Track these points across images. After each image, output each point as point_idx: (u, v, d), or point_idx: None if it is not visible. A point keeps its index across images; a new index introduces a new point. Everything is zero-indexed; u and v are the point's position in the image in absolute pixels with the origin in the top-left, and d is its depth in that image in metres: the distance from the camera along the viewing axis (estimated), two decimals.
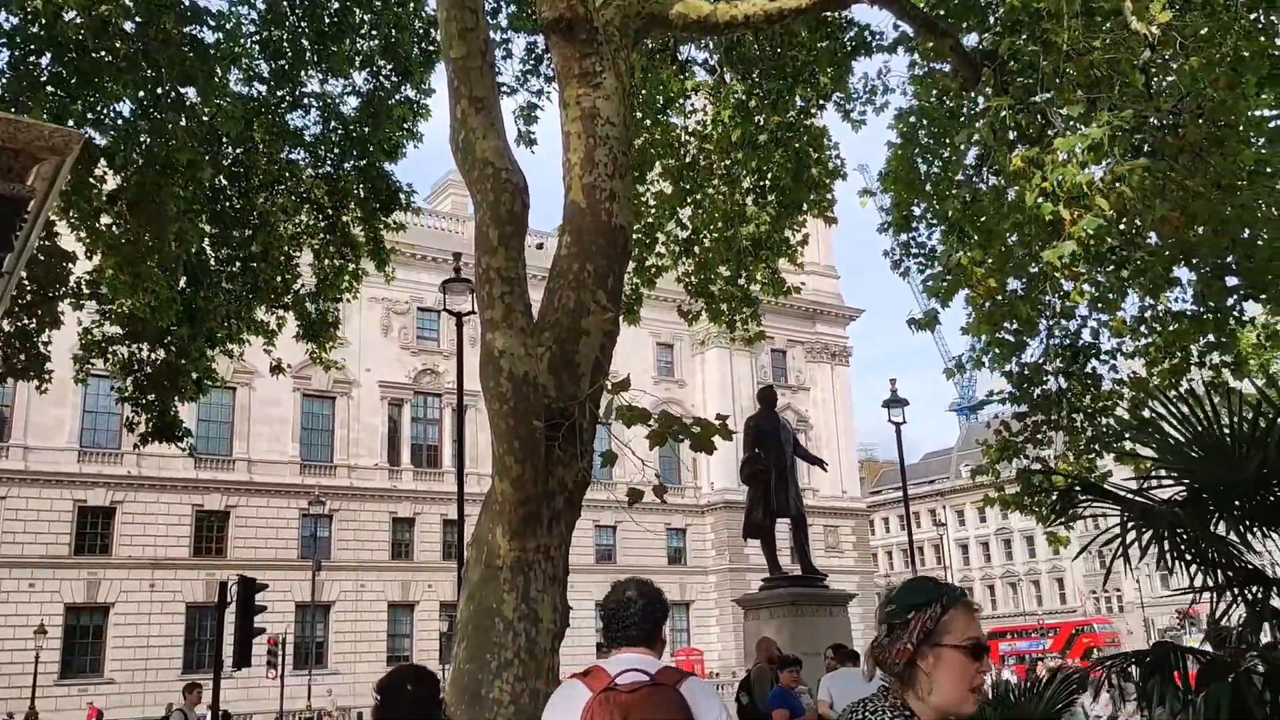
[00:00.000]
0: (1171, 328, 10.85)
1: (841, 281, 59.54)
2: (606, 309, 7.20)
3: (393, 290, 45.33)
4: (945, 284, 9.84)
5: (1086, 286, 9.57)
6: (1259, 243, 9.42)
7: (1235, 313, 10.59)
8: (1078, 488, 4.13)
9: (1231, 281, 9.52)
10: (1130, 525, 3.80)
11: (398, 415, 46.23)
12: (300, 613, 40.30)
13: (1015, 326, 11.18)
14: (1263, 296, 10.11)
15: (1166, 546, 3.86)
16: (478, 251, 6.41)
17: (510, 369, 6.15)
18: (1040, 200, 8.47)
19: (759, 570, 54.48)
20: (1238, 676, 3.30)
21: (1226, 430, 3.78)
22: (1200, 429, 3.88)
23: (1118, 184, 7.66)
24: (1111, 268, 9.48)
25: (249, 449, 42.29)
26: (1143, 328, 11.29)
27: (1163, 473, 4.49)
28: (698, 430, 6.27)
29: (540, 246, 8.43)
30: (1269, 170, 9.51)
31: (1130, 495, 3.99)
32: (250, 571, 23.65)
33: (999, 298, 10.59)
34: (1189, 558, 3.96)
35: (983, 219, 9.48)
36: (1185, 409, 3.92)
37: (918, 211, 13.41)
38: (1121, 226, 8.41)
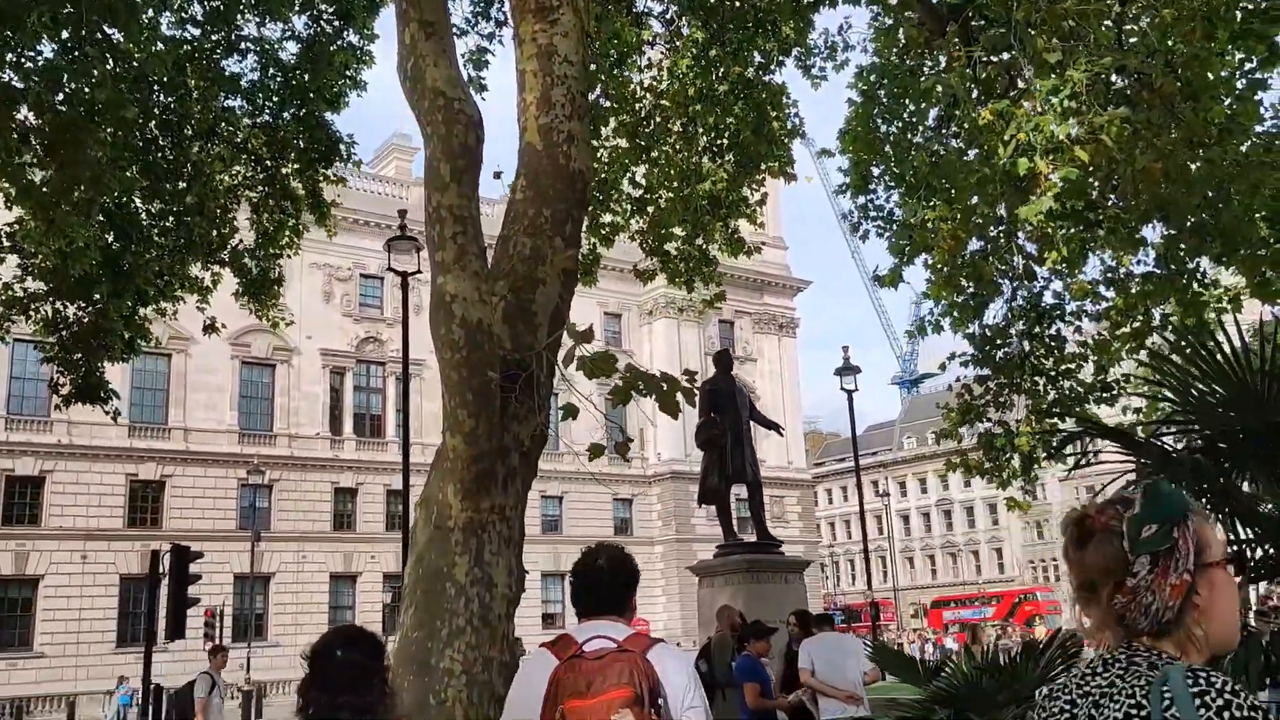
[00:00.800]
0: (1134, 290, 10.71)
1: (789, 253, 59.48)
2: (565, 256, 6.77)
3: (334, 256, 44.31)
4: (909, 241, 9.55)
5: (1053, 250, 9.32)
6: (1225, 204, 9.23)
7: (1199, 275, 10.45)
8: (1090, 431, 3.78)
9: (1196, 243, 9.33)
10: (1148, 473, 3.47)
11: (340, 384, 45.28)
12: (239, 584, 39.44)
13: (974, 289, 10.96)
14: (1224, 259, 9.94)
15: None
16: (428, 188, 5.96)
17: (463, 315, 5.72)
18: (1014, 154, 8.20)
19: (706, 541, 54.68)
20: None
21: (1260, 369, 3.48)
22: (1225, 369, 3.57)
23: (1098, 133, 7.38)
24: (1081, 227, 9.24)
25: (185, 417, 41.13)
26: (1104, 290, 11.13)
27: (1163, 425, 4.17)
28: (665, 387, 5.87)
29: (498, 175, 7.91)
30: (1238, 127, 9.32)
31: (1148, 441, 3.68)
32: (187, 543, 22.94)
33: (963, 256, 10.34)
34: (1209, 510, 3.65)
35: (948, 175, 9.18)
36: (1210, 348, 3.61)
37: (876, 173, 13.20)
38: (1095, 183, 8.15)
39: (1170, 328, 11.04)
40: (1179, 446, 3.74)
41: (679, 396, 5.85)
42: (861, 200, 13.63)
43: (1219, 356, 3.66)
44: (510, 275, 6.61)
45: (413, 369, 39.69)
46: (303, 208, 12.82)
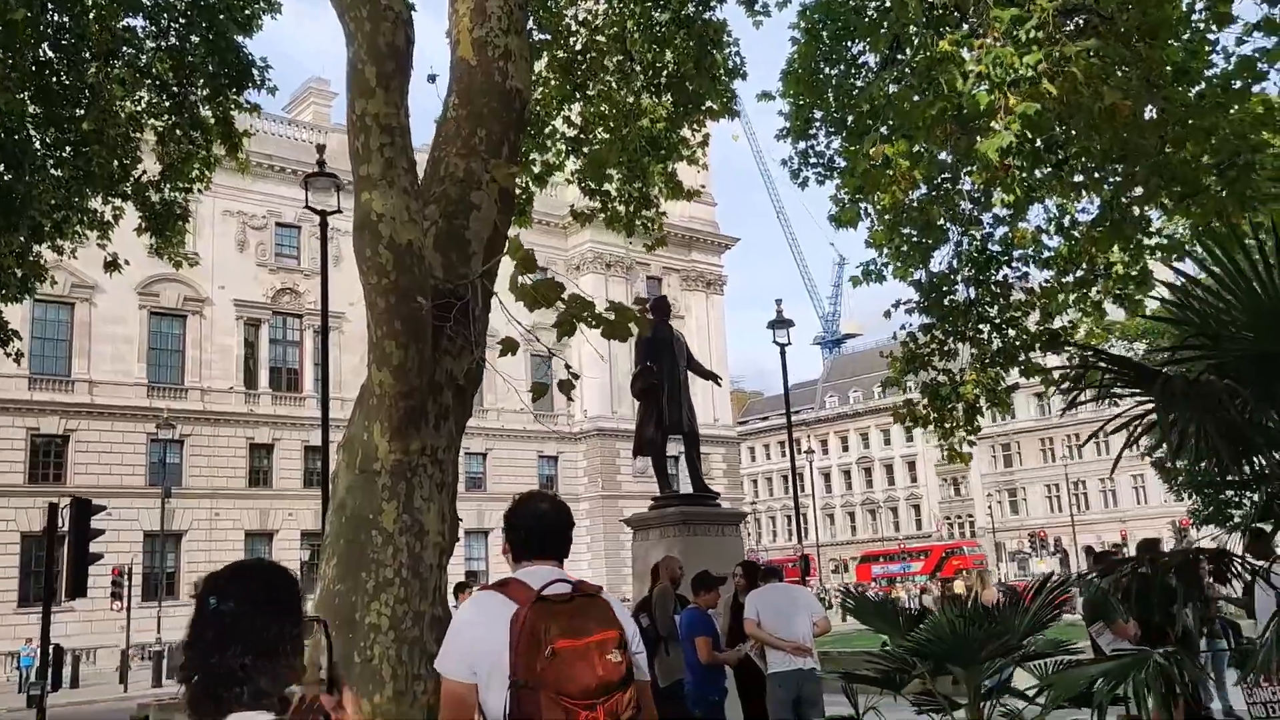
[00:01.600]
0: (1078, 237, 10.52)
1: (717, 210, 59.14)
2: (504, 174, 6.23)
3: (249, 203, 42.67)
4: (867, 176, 9.17)
5: (1008, 191, 9.02)
6: (1179, 148, 9.02)
7: (1143, 224, 10.29)
8: (1101, 361, 3.41)
9: (1153, 188, 9.11)
10: (1164, 408, 3.12)
11: (255, 336, 43.77)
12: (149, 542, 38.10)
13: (918, 236, 10.66)
14: (1180, 203, 9.73)
15: (1199, 432, 3.19)
16: (351, 95, 5.34)
17: (391, 235, 5.15)
18: (973, 86, 7.85)
19: (633, 498, 54.58)
20: None
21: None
22: (1253, 288, 3.22)
23: (1065, 66, 7.05)
24: (1038, 167, 8.96)
25: (90, 369, 39.35)
26: (1047, 239, 10.94)
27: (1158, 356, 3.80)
28: (612, 317, 5.39)
29: (432, 79, 7.14)
30: (1193, 69, 9.11)
31: (1162, 371, 3.32)
32: (93, 499, 21.84)
33: (912, 197, 10.02)
34: (1210, 447, 3.33)
35: (902, 111, 8.79)
36: (1237, 263, 3.25)
37: (818, 117, 12.85)
38: (1057, 120, 7.83)
39: (1113, 276, 10.92)
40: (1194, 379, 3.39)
41: (631, 325, 5.39)
42: (802, 146, 13.27)
43: (1245, 272, 3.31)
44: (441, 200, 6.07)
45: (332, 321, 38.59)
46: (214, 138, 11.96)
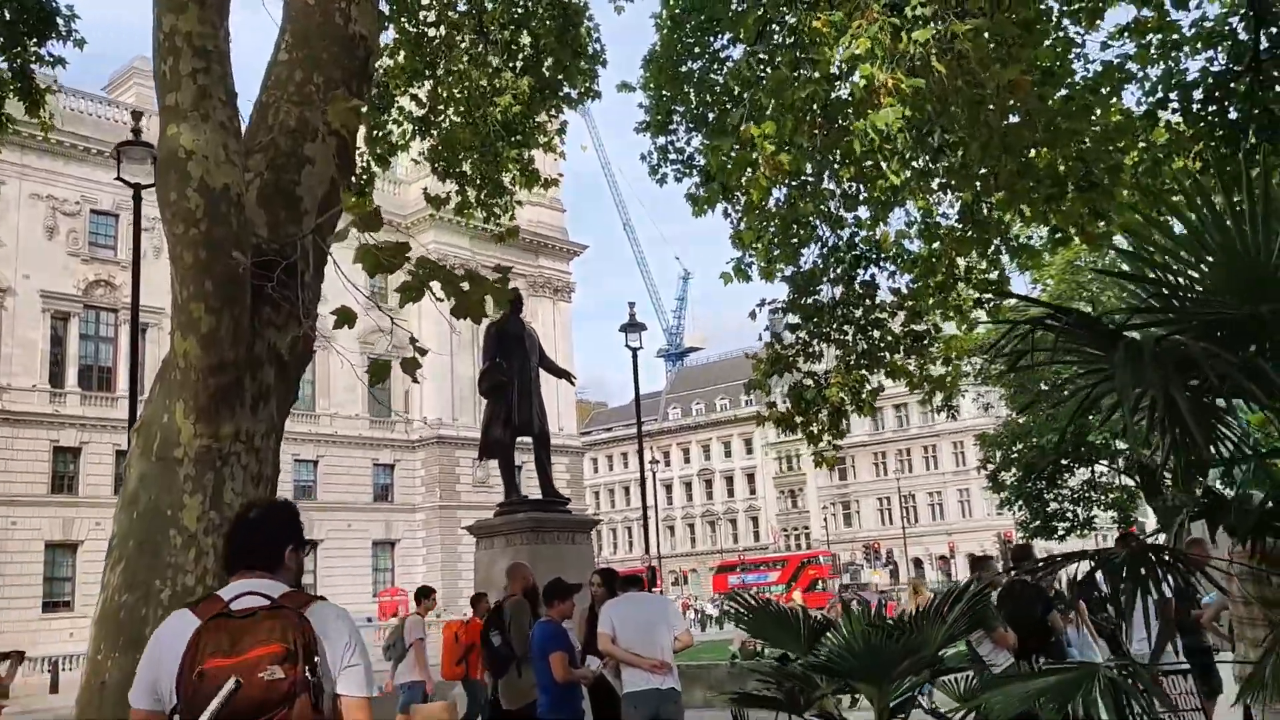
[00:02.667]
0: (937, 243, 10.40)
1: (566, 216, 58.59)
2: (339, 134, 5.44)
3: (60, 187, 39.49)
4: (732, 159, 8.74)
5: (874, 185, 8.74)
6: (1040, 154, 8.96)
7: (1000, 228, 10.24)
8: (1054, 320, 2.94)
9: (1021, 188, 9.00)
10: (1128, 375, 2.68)
11: (63, 330, 40.42)
12: None
13: (786, 234, 10.33)
14: (1024, 209, 9.66)
15: (1167, 405, 2.77)
16: (159, 8, 4.47)
17: (203, 177, 4.32)
18: (854, 64, 7.50)
19: (473, 508, 53.24)
20: None
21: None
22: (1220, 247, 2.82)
23: (954, 43, 6.75)
24: (915, 157, 8.71)
25: None
26: (909, 242, 10.80)
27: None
28: (468, 288, 4.69)
29: None
30: (1058, 72, 9.07)
31: (1119, 332, 2.89)
32: None
33: (776, 197, 9.68)
34: (1174, 423, 2.92)
35: (776, 92, 8.39)
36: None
37: (678, 114, 12.50)
38: (937, 102, 7.56)
39: (973, 281, 10.86)
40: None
41: (490, 296, 4.71)
42: (662, 141, 12.88)
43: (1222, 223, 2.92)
44: (269, 150, 5.23)
45: (152, 317, 35.94)
46: (8, 93, 10.56)
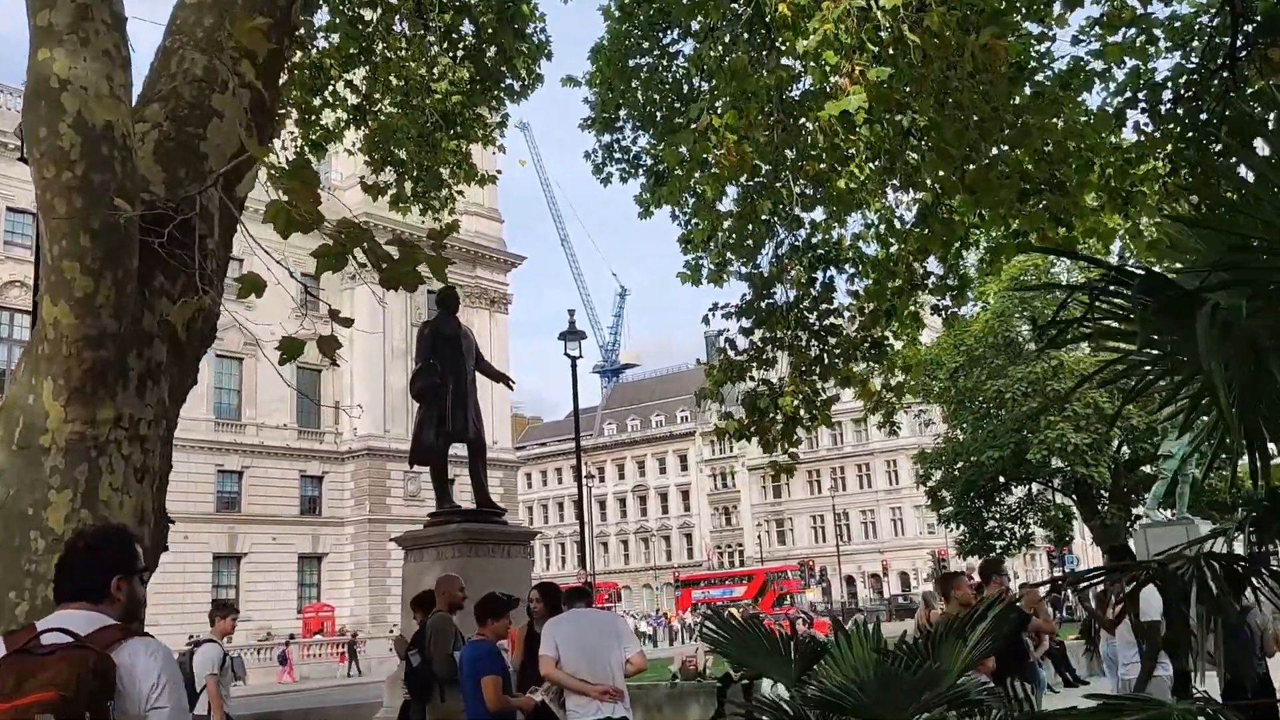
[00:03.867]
0: (893, 248, 10.00)
1: (504, 227, 57.78)
2: (254, 86, 4.76)
3: None
4: (689, 152, 8.21)
5: (840, 175, 8.29)
6: (1011, 148, 8.60)
7: (960, 232, 9.86)
8: (1125, 280, 2.39)
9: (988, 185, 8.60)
10: (1208, 352, 2.16)
11: None
12: None
13: (740, 234, 9.85)
14: (983, 213, 9.30)
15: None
16: None
17: (80, 112, 3.65)
18: (820, 49, 7.03)
19: (403, 523, 51.90)
20: None
21: None
22: None
23: (922, 20, 6.30)
24: (886, 144, 8.26)
25: None
26: (866, 245, 10.40)
27: None
28: (398, 255, 4.08)
29: None
30: (1026, 68, 8.72)
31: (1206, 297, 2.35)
32: None
33: (730, 196, 9.21)
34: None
35: (736, 77, 7.89)
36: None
37: (624, 114, 12.02)
38: (909, 90, 7.11)
39: (931, 284, 10.46)
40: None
41: (425, 265, 4.10)
42: (607, 139, 12.37)
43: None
44: (170, 100, 4.55)
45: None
46: None
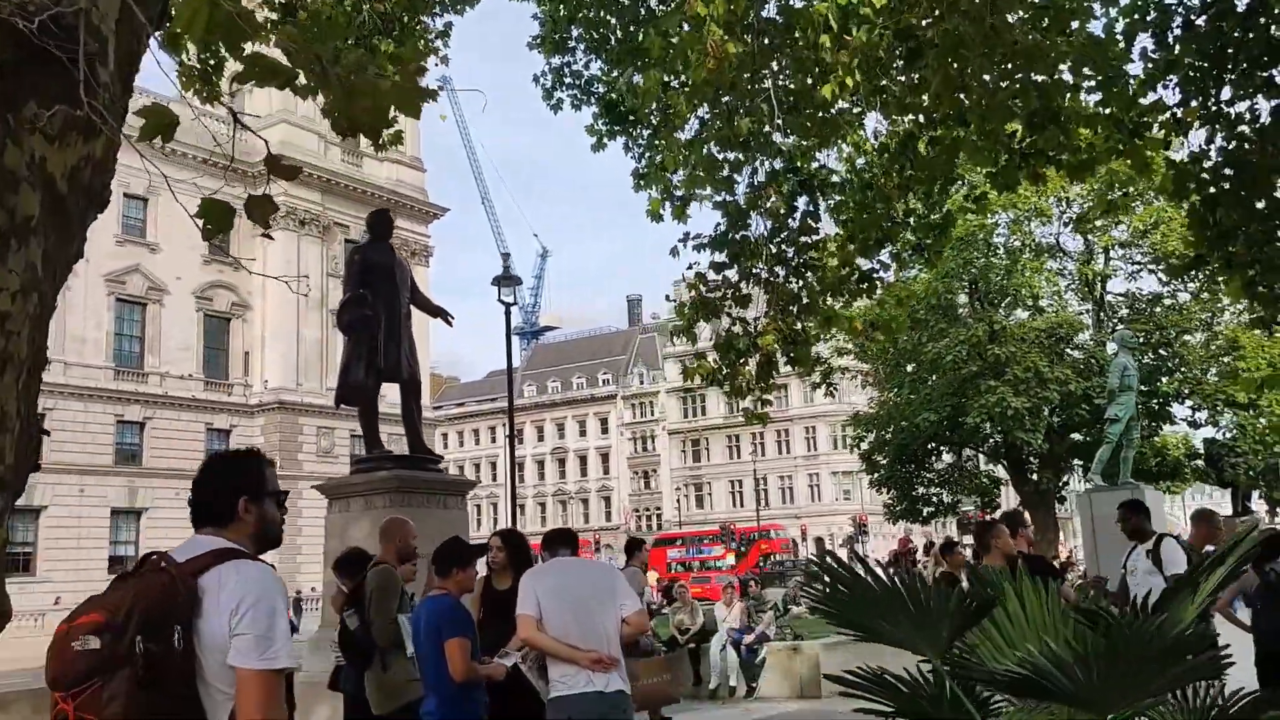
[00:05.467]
0: (871, 177, 9.23)
1: (427, 177, 55.88)
2: None
3: None
4: (676, 40, 7.28)
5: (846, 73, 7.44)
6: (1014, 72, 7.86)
7: (945, 168, 9.12)
8: None
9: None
10: None
11: None
12: None
13: (703, 155, 8.95)
14: (975, 140, 8.57)
15: None
16: None
17: None
18: None
19: (316, 479, 50.15)
20: None
21: None
22: None
23: None
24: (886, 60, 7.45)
25: None
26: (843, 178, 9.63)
27: None
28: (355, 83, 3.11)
29: None
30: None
31: None
32: None
33: (719, 92, 8.29)
34: None
35: None
36: None
37: (575, 36, 11.08)
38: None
39: (913, 224, 9.74)
40: None
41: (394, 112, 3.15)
42: (557, 61, 11.41)
43: None
44: None
45: None
46: None
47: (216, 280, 46.10)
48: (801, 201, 8.88)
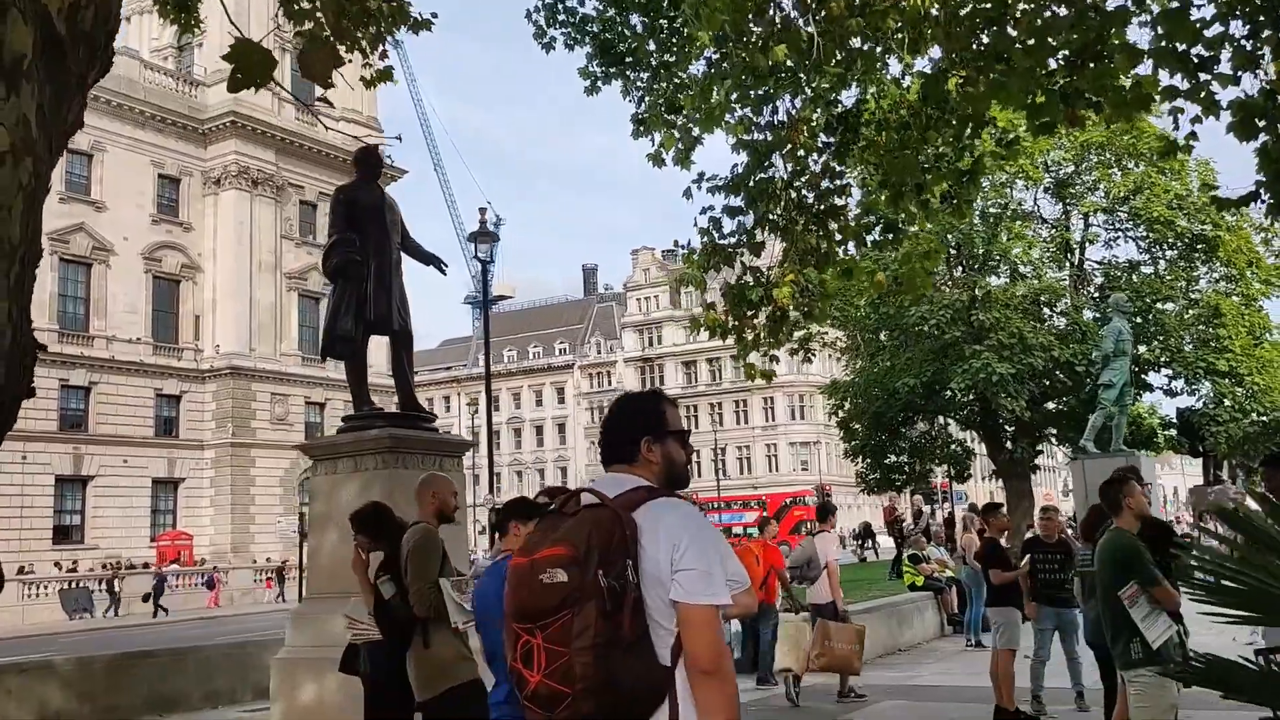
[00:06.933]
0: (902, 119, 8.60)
1: (383, 138, 54.36)
2: None
3: None
4: None
5: None
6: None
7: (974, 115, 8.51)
8: None
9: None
10: None
11: None
12: None
13: (752, 86, 8.28)
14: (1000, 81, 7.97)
15: None
16: None
17: None
18: None
19: (270, 447, 48.75)
20: None
21: None
22: None
23: None
24: None
25: None
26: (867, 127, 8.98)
27: None
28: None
29: None
30: None
31: None
32: None
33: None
34: None
35: None
36: None
37: None
38: None
39: (942, 171, 9.13)
40: None
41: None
42: None
43: None
44: None
45: None
46: None
47: (165, 241, 44.46)
48: (835, 136, 8.22)
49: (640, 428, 2.61)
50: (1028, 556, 8.49)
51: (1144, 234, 25.66)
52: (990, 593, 8.69)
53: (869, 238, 8.51)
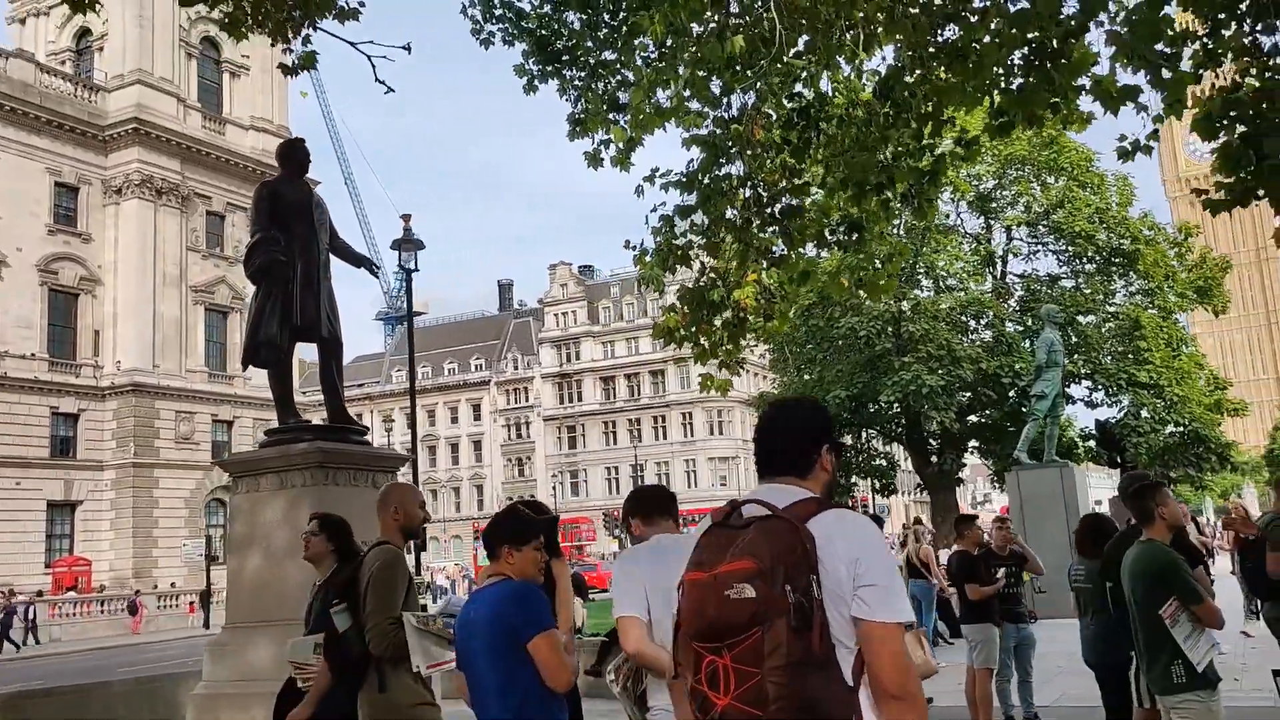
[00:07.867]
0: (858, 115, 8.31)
1: None
2: None
3: None
4: None
5: None
6: None
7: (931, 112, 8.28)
8: None
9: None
10: None
11: None
12: None
13: (707, 75, 7.89)
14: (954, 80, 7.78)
15: None
16: None
17: None
18: None
19: (175, 468, 46.77)
20: None
21: None
22: None
23: None
24: None
25: None
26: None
27: None
28: None
29: None
30: None
31: None
32: None
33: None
34: None
35: None
36: None
37: None
38: None
39: (902, 171, 8.87)
40: None
41: None
42: None
43: None
44: None
45: None
46: None
47: (63, 252, 42.39)
48: (797, 133, 7.87)
49: (818, 434, 2.48)
50: (1001, 570, 8.20)
51: (1064, 248, 26.11)
52: (965, 609, 8.35)
53: (831, 239, 8.15)
